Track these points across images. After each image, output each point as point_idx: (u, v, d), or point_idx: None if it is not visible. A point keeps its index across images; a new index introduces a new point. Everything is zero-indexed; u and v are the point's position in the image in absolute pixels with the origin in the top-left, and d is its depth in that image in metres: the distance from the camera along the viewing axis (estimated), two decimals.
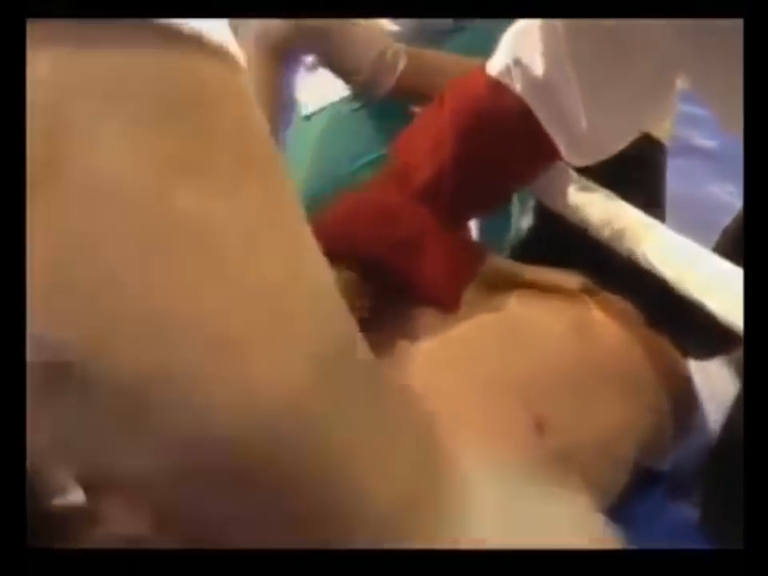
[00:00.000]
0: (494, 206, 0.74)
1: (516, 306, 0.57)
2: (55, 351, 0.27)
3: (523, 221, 0.97)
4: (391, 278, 0.59)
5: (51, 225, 0.26)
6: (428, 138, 0.66)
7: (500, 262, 0.64)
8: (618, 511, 0.47)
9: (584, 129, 0.64)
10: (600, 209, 0.67)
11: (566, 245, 0.69)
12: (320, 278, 0.31)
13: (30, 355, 0.27)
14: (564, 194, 0.69)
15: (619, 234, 0.64)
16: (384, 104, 0.91)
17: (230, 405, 0.28)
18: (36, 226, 0.26)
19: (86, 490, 0.37)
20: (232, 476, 0.28)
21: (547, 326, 0.55)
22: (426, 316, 0.57)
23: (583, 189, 0.69)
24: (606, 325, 0.56)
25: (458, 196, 0.65)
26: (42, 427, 0.29)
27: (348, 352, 0.31)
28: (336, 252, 0.55)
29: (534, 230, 0.95)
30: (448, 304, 0.57)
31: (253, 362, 0.28)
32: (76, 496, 0.39)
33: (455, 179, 0.64)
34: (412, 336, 0.56)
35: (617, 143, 0.68)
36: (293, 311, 0.29)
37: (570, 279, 0.59)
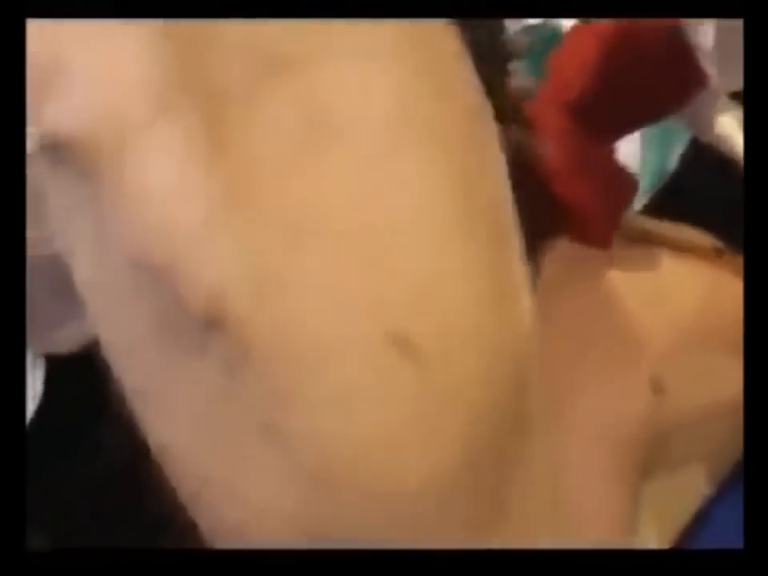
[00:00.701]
0: (642, 127, 0.71)
1: (650, 262, 0.54)
2: (211, 296, 0.25)
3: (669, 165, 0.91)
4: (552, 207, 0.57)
5: (244, 148, 0.25)
6: (576, 57, 0.65)
7: (634, 216, 0.62)
8: (724, 492, 0.45)
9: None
10: None
11: (709, 197, 0.66)
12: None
13: (179, 301, 0.25)
14: (713, 121, 0.66)
15: None
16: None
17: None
18: (225, 146, 0.25)
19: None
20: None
21: (681, 286, 0.53)
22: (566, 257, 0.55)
23: (735, 116, 0.64)
24: (739, 290, 0.53)
25: (607, 114, 0.63)
26: (170, 395, 0.27)
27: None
28: None
29: (677, 177, 0.88)
30: (603, 239, 0.55)
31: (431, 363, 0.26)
32: None
33: (603, 96, 0.63)
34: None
35: None
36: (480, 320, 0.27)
37: (705, 239, 0.56)
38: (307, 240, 0.25)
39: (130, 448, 0.29)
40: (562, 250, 0.50)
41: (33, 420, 0.41)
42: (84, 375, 0.38)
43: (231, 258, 0.25)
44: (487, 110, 0.28)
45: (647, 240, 0.54)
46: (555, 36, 0.86)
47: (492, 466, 0.28)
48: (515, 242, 0.29)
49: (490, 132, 0.28)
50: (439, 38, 0.27)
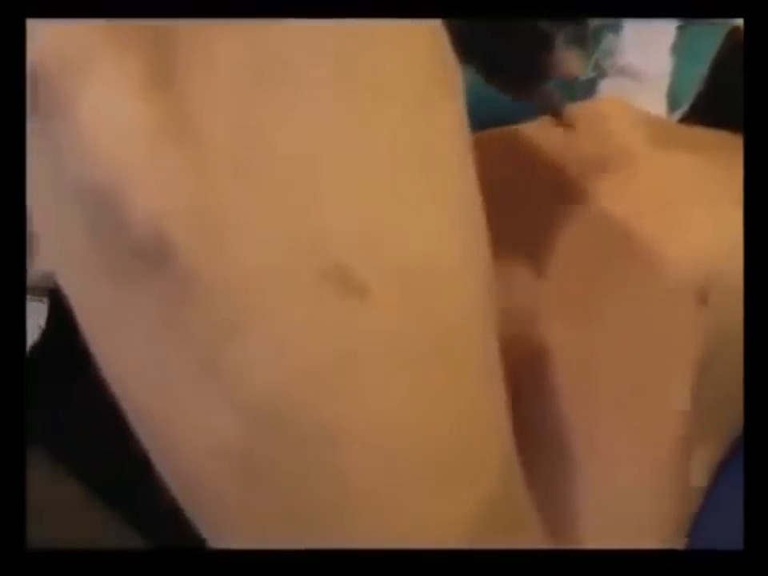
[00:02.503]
0: None
1: (693, 169, 0.50)
2: (152, 227, 0.25)
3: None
4: None
5: None
6: None
7: (674, 126, 0.57)
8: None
9: None
10: None
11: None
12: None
13: (122, 231, 0.25)
14: None
15: None
16: None
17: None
18: None
19: None
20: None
21: (725, 193, 0.49)
22: None
23: None
24: None
25: None
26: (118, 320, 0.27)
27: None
28: None
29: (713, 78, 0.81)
30: None
31: None
32: None
33: None
34: None
35: None
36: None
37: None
38: (252, 175, 0.25)
39: None
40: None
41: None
42: None
43: (173, 191, 0.25)
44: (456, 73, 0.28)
45: (688, 148, 0.50)
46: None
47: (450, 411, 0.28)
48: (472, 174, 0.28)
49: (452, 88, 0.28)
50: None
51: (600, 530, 0.36)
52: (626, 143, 0.45)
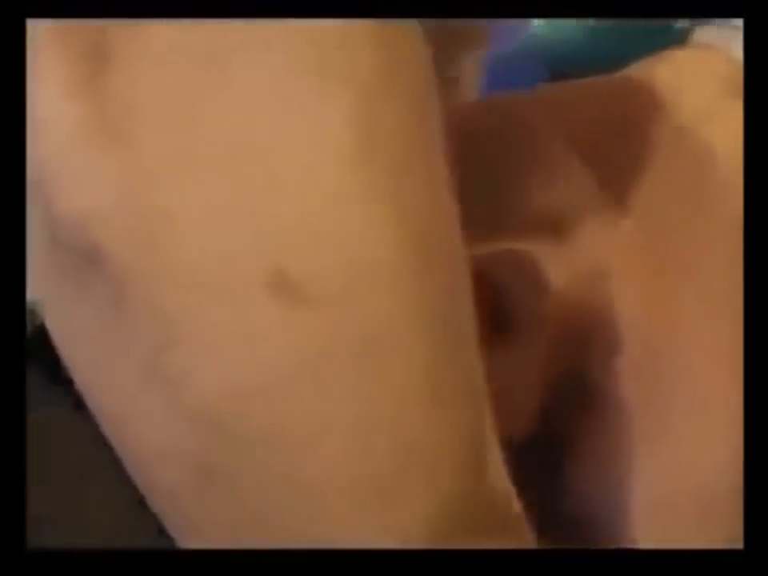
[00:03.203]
0: None
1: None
2: (81, 225, 0.24)
3: None
4: None
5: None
6: None
7: None
8: None
9: None
10: None
11: None
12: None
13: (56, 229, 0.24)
14: None
15: None
16: None
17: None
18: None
19: None
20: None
21: None
22: None
23: None
24: None
25: None
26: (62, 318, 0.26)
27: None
28: None
29: None
30: None
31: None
32: None
33: None
34: None
35: None
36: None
37: None
38: (187, 175, 0.24)
39: None
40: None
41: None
42: None
43: (102, 191, 0.24)
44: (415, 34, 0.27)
45: None
46: None
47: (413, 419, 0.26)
48: (429, 167, 0.27)
49: (408, 52, 0.26)
50: None
51: (664, 504, 0.35)
52: (712, 95, 0.44)
